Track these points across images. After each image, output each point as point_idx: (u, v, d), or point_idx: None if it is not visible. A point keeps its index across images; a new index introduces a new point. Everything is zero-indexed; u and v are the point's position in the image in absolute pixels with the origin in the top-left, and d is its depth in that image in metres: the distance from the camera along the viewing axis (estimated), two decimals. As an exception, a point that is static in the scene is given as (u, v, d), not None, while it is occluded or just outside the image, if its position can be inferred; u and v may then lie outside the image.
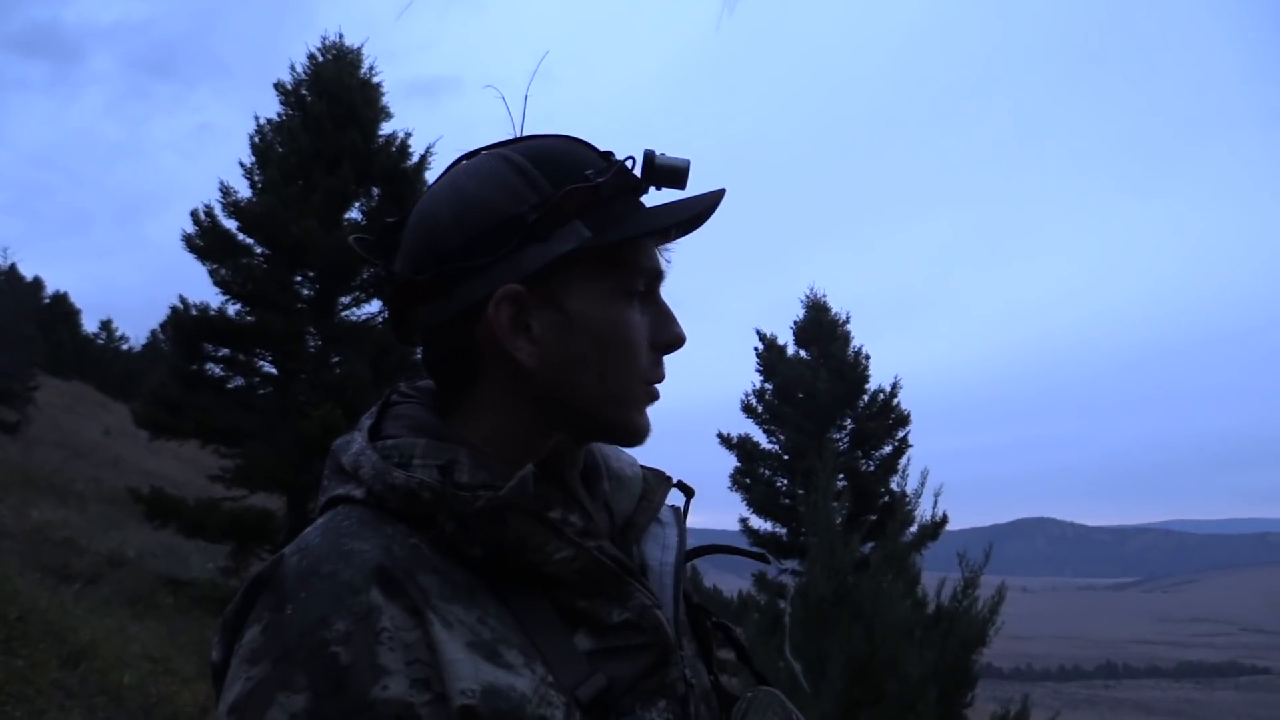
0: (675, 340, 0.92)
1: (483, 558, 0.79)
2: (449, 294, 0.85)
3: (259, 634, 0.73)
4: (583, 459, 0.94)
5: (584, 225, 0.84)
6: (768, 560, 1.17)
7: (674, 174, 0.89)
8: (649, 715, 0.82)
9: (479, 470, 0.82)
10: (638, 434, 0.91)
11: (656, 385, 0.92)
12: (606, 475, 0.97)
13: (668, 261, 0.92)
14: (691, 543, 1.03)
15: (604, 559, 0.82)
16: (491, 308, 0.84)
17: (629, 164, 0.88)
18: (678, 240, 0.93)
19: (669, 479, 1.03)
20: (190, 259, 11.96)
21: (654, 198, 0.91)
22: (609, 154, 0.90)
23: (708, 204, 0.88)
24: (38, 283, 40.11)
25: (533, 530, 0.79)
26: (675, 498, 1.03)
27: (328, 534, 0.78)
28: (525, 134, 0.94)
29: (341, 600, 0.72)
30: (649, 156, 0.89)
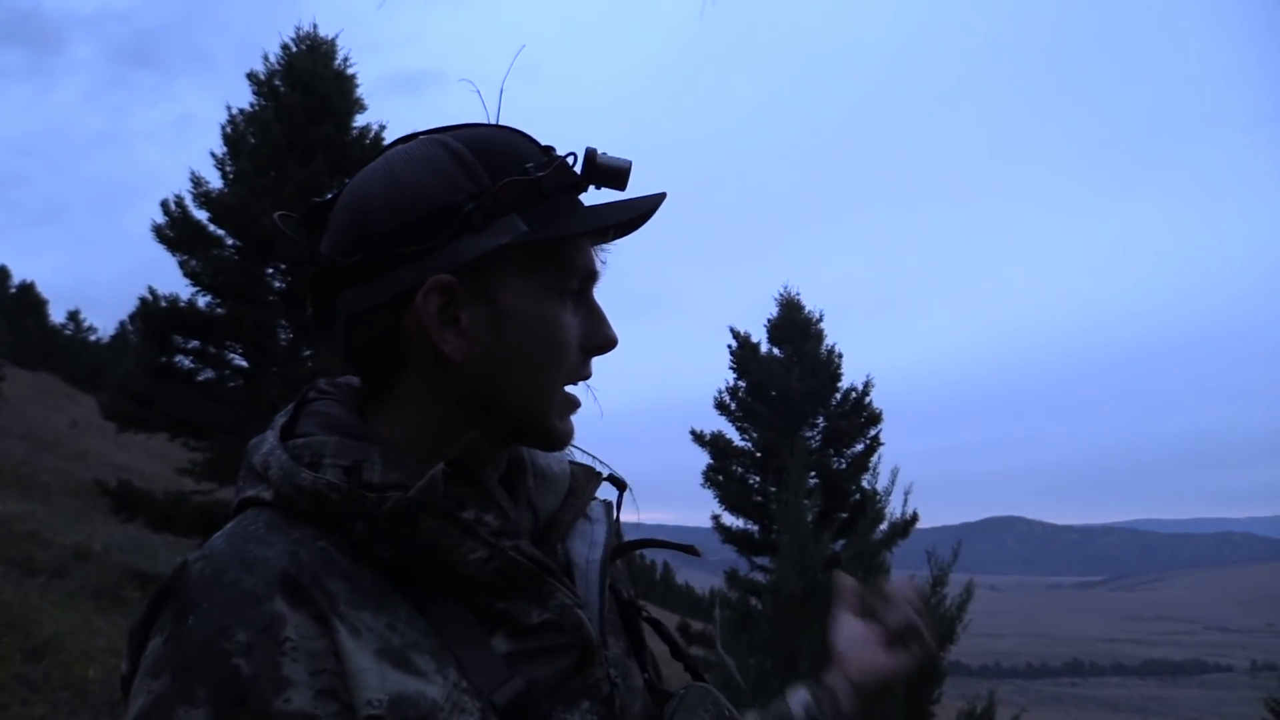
0: (607, 343, 0.90)
1: (395, 560, 0.77)
2: (376, 280, 0.82)
3: (161, 645, 0.71)
4: (505, 457, 0.92)
5: (521, 219, 0.82)
6: (697, 554, 1.16)
7: (614, 174, 0.87)
8: (570, 717, 0.80)
9: (392, 469, 0.79)
10: (556, 440, 0.89)
11: (580, 389, 0.89)
12: (531, 472, 0.95)
13: (603, 262, 0.90)
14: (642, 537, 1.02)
15: (520, 559, 0.79)
16: (420, 297, 0.80)
17: (570, 160, 0.86)
18: (615, 242, 0.91)
19: (598, 474, 0.99)
20: (167, 251, 11.84)
21: (592, 197, 0.88)
22: (550, 149, 0.87)
23: (649, 207, 0.86)
24: (4, 272, 39.59)
25: (445, 531, 0.77)
26: (610, 493, 1.00)
27: (232, 539, 0.76)
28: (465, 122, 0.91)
29: (243, 610, 0.70)
30: (590, 155, 0.86)
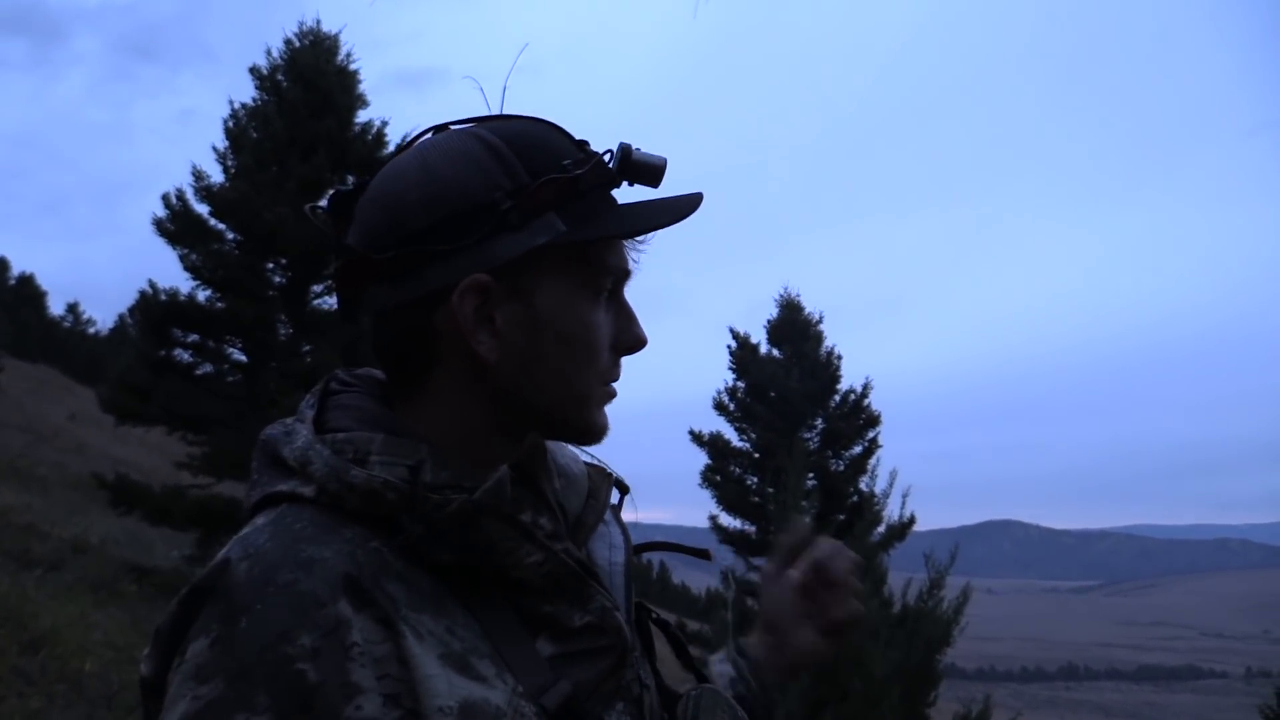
0: (637, 343, 0.89)
1: (451, 563, 0.75)
2: (409, 277, 0.80)
3: (207, 649, 0.67)
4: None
5: (559, 219, 0.80)
6: (709, 558, 1.15)
7: (650, 171, 0.85)
8: (609, 718, 0.80)
9: (441, 469, 0.77)
10: (596, 434, 0.88)
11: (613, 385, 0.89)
12: (556, 472, 0.92)
13: (636, 261, 0.89)
14: (642, 538, 1.02)
15: (570, 561, 0.79)
16: (456, 297, 0.79)
17: (606, 157, 0.85)
18: (648, 239, 0.89)
19: (610, 475, 0.98)
20: (167, 244, 11.83)
21: (625, 193, 0.87)
22: (584, 143, 0.86)
23: (687, 207, 0.85)
24: (3, 263, 39.57)
25: (505, 534, 0.75)
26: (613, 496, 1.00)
27: (278, 537, 0.73)
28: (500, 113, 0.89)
29: (305, 613, 0.67)
30: (625, 151, 0.85)
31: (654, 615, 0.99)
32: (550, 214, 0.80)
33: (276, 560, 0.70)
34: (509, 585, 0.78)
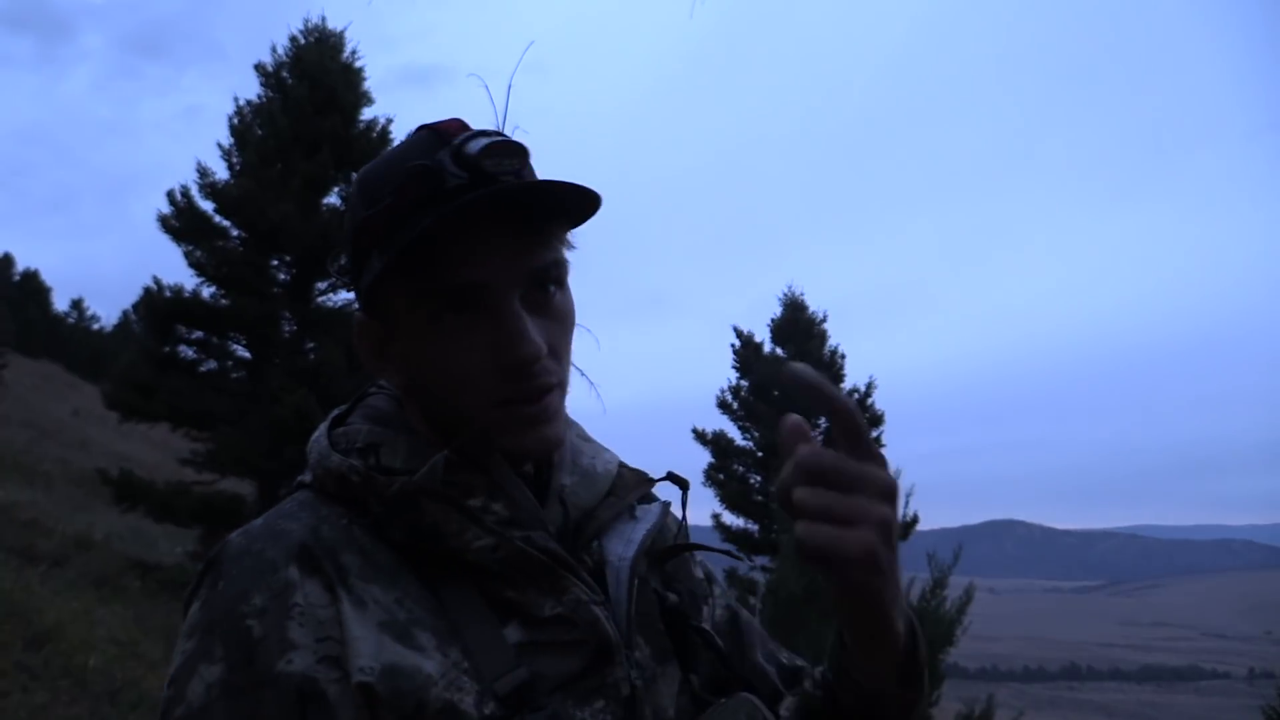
0: (514, 361, 0.79)
1: (404, 542, 0.79)
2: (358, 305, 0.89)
3: (197, 610, 0.75)
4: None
5: (379, 255, 0.80)
6: (740, 558, 1.14)
7: (475, 166, 0.78)
8: (581, 714, 0.77)
9: (415, 457, 0.81)
10: (517, 454, 0.83)
11: (542, 394, 0.82)
12: (569, 470, 0.91)
13: (567, 253, 0.85)
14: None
15: (530, 550, 0.78)
16: (355, 334, 0.88)
17: (444, 162, 0.79)
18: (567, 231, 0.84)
19: (649, 479, 0.96)
20: (172, 241, 11.84)
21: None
22: (462, 142, 0.79)
23: (481, 206, 0.77)
24: (8, 259, 39.59)
25: (448, 517, 0.77)
26: (670, 494, 0.97)
27: (269, 516, 0.81)
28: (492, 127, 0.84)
29: (261, 576, 0.74)
30: (454, 152, 0.79)
31: (694, 622, 0.93)
32: (373, 254, 0.82)
33: (258, 534, 0.79)
34: (471, 569, 0.79)
